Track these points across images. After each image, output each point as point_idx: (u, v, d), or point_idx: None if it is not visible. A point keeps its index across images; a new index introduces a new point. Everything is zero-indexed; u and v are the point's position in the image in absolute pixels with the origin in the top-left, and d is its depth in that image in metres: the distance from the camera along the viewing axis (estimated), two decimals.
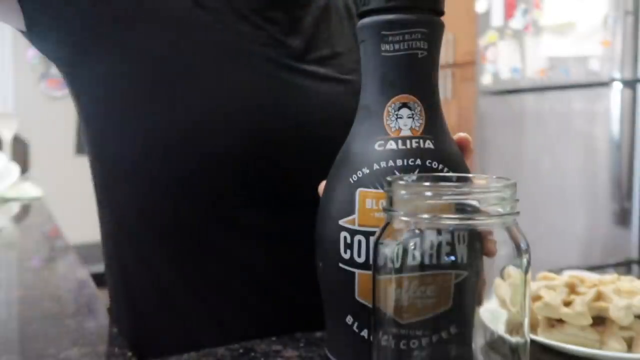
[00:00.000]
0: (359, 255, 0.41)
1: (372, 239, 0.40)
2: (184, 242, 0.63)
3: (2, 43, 3.46)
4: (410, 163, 0.41)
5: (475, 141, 2.48)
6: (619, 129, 1.93)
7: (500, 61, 2.35)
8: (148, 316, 0.67)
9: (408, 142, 0.42)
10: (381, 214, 0.39)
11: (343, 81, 0.66)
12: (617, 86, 1.94)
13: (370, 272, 0.38)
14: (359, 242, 0.41)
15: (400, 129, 0.42)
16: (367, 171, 0.42)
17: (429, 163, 0.42)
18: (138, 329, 0.68)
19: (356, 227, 0.41)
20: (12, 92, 3.49)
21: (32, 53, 3.46)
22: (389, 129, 0.42)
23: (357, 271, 0.41)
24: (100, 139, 0.64)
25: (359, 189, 0.42)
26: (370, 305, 0.39)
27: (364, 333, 0.42)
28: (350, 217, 0.42)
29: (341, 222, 0.42)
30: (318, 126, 0.62)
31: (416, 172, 0.41)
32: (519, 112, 2.31)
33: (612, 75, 1.94)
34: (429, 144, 0.42)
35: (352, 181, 0.42)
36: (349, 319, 0.43)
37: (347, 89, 0.65)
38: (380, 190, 0.41)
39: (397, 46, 0.42)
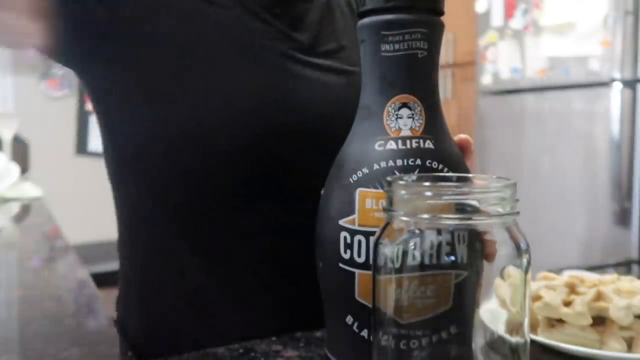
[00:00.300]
0: (359, 255, 0.41)
1: (372, 239, 0.40)
2: (188, 239, 0.64)
3: None
4: (410, 163, 0.41)
5: (475, 141, 2.47)
6: (619, 129, 1.93)
7: (500, 61, 2.35)
8: (160, 314, 0.68)
9: (408, 142, 0.42)
10: (381, 214, 0.39)
11: (350, 73, 0.67)
12: (617, 86, 1.94)
13: (370, 272, 0.38)
14: (359, 242, 0.41)
15: (400, 129, 0.42)
16: (367, 171, 0.42)
17: (429, 163, 0.42)
18: (152, 329, 0.68)
19: (356, 227, 0.41)
20: (12, 92, 3.48)
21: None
22: (389, 129, 0.42)
23: (357, 271, 0.41)
24: (110, 136, 0.65)
25: (359, 189, 0.42)
26: (370, 306, 0.39)
27: (364, 333, 0.42)
28: (350, 217, 0.42)
29: (341, 222, 0.42)
30: (326, 118, 0.62)
31: (416, 172, 0.41)
32: (519, 112, 2.31)
33: (612, 75, 1.94)
34: (429, 144, 0.42)
35: (352, 181, 0.42)
36: (349, 319, 0.43)
37: (353, 81, 0.65)
38: (380, 190, 0.41)
39: (396, 46, 0.42)
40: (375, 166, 0.42)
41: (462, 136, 0.48)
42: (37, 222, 1.41)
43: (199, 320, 0.65)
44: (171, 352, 0.52)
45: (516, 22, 2.27)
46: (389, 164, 0.41)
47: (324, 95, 0.64)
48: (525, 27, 2.23)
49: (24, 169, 2.51)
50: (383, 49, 0.43)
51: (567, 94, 2.10)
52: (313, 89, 0.63)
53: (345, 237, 0.42)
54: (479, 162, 2.48)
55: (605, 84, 1.96)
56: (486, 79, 2.44)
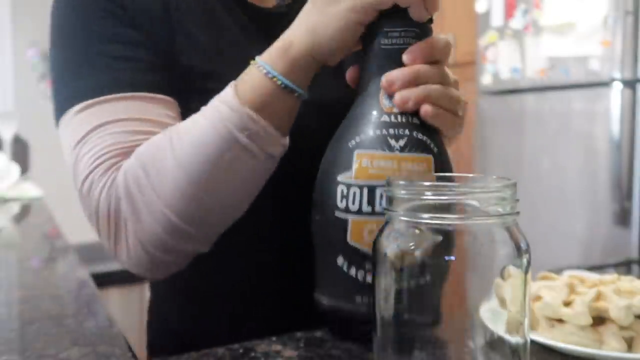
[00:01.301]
0: (353, 203, 0.49)
1: (365, 190, 0.49)
2: None
3: (2, 43, 3.46)
4: (399, 132, 0.50)
5: (476, 141, 2.48)
6: (619, 129, 1.93)
7: (500, 61, 2.35)
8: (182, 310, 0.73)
9: (399, 116, 0.51)
10: (374, 171, 0.49)
11: (338, 81, 0.67)
12: (617, 86, 1.93)
13: (361, 218, 0.48)
14: (354, 193, 0.49)
15: (392, 107, 0.51)
16: (364, 137, 0.50)
17: (415, 134, 0.50)
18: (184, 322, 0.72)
19: (352, 182, 0.50)
20: (12, 92, 3.48)
21: (32, 53, 3.46)
22: (383, 106, 0.51)
23: (350, 217, 0.49)
24: None
25: (357, 151, 0.50)
26: (360, 248, 0.49)
27: (352, 272, 0.50)
28: (348, 174, 0.50)
29: (339, 177, 0.50)
30: (314, 133, 0.60)
31: (405, 140, 0.50)
32: (519, 112, 2.31)
33: (612, 75, 1.94)
34: (416, 120, 0.51)
35: (350, 145, 0.51)
36: (340, 260, 0.51)
37: (344, 93, 0.65)
38: (374, 152, 0.50)
39: (394, 41, 0.52)
40: (370, 133, 0.50)
41: None
42: (37, 222, 1.41)
43: (210, 319, 0.69)
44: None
45: (516, 22, 2.27)
46: (382, 132, 0.50)
47: (313, 111, 0.62)
48: (525, 27, 2.23)
49: (24, 169, 2.51)
50: (383, 42, 0.52)
51: (567, 94, 2.10)
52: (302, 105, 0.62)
53: (342, 190, 0.50)
54: (479, 162, 2.48)
55: (605, 84, 1.96)
56: (486, 79, 2.44)
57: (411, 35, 0.52)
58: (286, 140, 0.56)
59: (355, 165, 0.49)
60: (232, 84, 0.55)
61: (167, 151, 0.54)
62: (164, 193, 0.53)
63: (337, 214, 0.50)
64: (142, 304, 1.99)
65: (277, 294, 0.68)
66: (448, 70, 0.55)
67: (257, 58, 0.55)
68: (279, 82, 0.53)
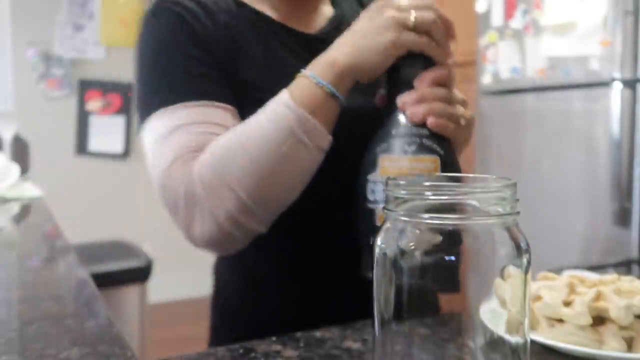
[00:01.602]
0: (378, 196, 0.62)
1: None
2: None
3: (1, 43, 3.46)
4: (411, 140, 0.63)
5: (476, 141, 2.48)
6: (619, 129, 1.93)
7: (500, 61, 2.35)
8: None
9: (411, 128, 0.64)
10: (393, 170, 0.63)
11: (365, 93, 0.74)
12: (617, 86, 1.93)
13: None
14: (379, 188, 0.63)
15: (406, 121, 0.64)
16: (386, 145, 0.64)
17: (424, 141, 0.63)
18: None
19: (377, 179, 0.63)
20: (12, 92, 3.48)
21: (31, 53, 3.46)
22: (400, 121, 0.65)
23: (376, 206, 0.63)
24: None
25: (381, 156, 0.64)
26: None
27: None
28: (375, 173, 0.64)
29: (369, 177, 0.64)
30: (348, 136, 0.70)
31: (415, 145, 0.63)
32: (519, 112, 2.31)
33: (612, 75, 1.94)
34: (424, 131, 0.64)
35: (377, 151, 0.64)
36: (371, 240, 0.59)
37: (370, 106, 0.73)
38: (394, 155, 0.63)
39: (409, 70, 0.66)
40: (391, 141, 0.64)
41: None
42: (37, 222, 1.41)
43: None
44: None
45: (516, 22, 2.27)
46: (399, 140, 0.63)
47: (349, 116, 0.72)
48: (525, 27, 2.23)
49: (24, 169, 2.51)
50: (402, 71, 0.66)
51: (567, 94, 2.10)
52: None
53: (370, 186, 0.64)
54: (479, 162, 2.48)
55: (605, 84, 1.96)
56: (486, 79, 2.44)
57: (421, 66, 0.65)
58: (330, 137, 0.68)
59: (379, 167, 0.63)
60: (285, 90, 0.67)
61: (236, 144, 0.66)
62: (236, 176, 0.65)
63: (368, 204, 0.64)
64: (142, 304, 1.99)
65: (316, 289, 0.79)
66: (456, 92, 0.68)
67: (304, 71, 0.67)
68: (328, 90, 0.66)
